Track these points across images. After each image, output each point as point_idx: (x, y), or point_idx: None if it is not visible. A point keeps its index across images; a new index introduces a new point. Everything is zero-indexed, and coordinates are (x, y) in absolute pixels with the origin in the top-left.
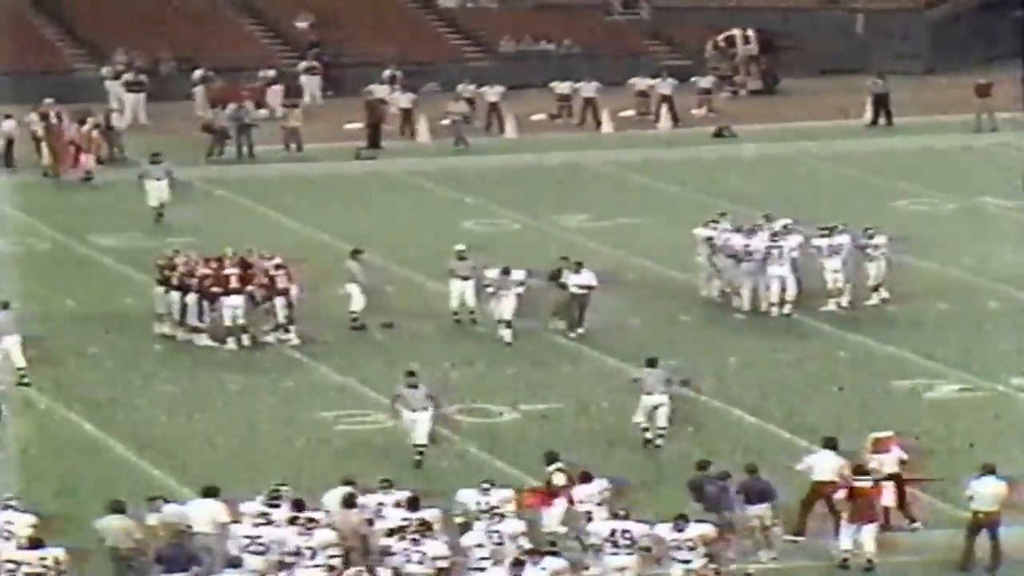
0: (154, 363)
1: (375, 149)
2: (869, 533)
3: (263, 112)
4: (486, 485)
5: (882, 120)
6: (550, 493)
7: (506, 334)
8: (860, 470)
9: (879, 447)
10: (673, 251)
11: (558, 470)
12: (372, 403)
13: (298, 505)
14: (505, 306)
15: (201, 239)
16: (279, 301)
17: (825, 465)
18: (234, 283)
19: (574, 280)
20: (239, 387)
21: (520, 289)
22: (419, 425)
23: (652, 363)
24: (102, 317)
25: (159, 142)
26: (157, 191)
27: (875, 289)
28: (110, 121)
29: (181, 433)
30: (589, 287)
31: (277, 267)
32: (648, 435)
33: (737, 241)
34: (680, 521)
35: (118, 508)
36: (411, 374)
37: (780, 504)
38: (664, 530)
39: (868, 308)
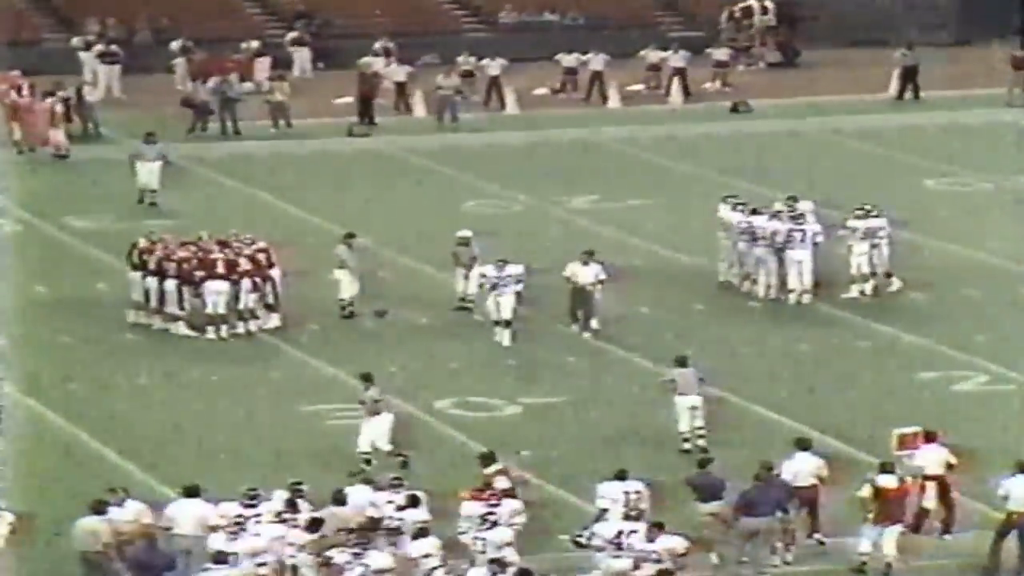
0: (129, 354)
1: (369, 125)
2: (891, 535)
3: (248, 86)
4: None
5: (909, 94)
6: (494, 497)
7: (504, 336)
8: (886, 468)
9: (905, 444)
10: (686, 234)
11: (499, 472)
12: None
13: (292, 504)
14: (503, 305)
15: (181, 221)
16: (244, 284)
17: (802, 468)
18: (220, 268)
19: (579, 274)
20: (221, 379)
21: (519, 286)
22: (376, 428)
23: (683, 362)
24: (75, 304)
25: (136, 118)
26: (147, 174)
27: (888, 275)
28: (82, 95)
29: (159, 429)
30: (598, 282)
31: (259, 251)
32: (688, 445)
33: (758, 223)
34: (654, 530)
35: (98, 509)
36: (366, 377)
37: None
38: (636, 539)
39: (893, 296)
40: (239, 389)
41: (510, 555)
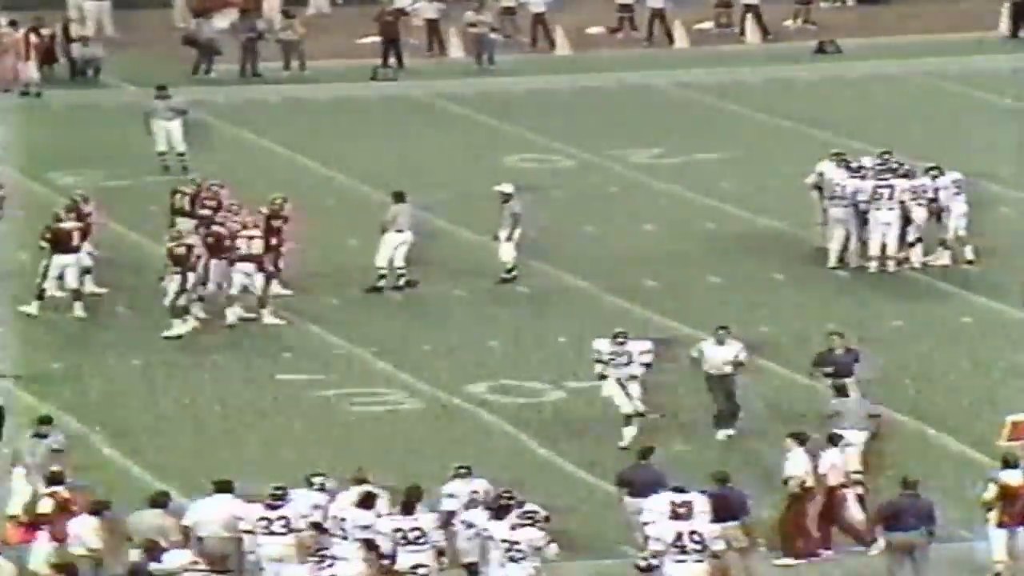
0: (118, 330)
1: (396, 68)
2: None
3: (261, 23)
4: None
5: (1023, 32)
6: (31, 524)
7: (628, 433)
8: (1008, 463)
9: (1019, 433)
10: (763, 194)
11: (51, 494)
12: (387, 379)
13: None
14: (631, 393)
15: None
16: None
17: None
18: (76, 239)
19: (714, 357)
20: (222, 360)
21: (643, 370)
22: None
23: (843, 390)
24: None
25: (129, 59)
26: (166, 134)
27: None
28: (69, 33)
29: (148, 417)
30: (735, 364)
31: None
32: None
33: (841, 179)
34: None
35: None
36: (45, 420)
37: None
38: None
39: (1002, 264)
40: (246, 371)
41: None
